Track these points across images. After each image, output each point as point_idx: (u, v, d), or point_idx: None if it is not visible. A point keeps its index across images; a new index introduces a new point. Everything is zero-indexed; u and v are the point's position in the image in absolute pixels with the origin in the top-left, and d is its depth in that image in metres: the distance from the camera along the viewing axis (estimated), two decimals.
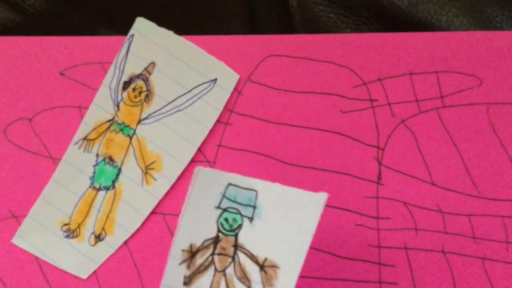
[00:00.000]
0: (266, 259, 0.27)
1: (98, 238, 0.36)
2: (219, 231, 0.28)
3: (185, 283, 0.28)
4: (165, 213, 0.36)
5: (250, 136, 0.36)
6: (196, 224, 0.28)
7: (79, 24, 0.43)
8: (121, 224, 0.36)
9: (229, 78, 0.37)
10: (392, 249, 0.35)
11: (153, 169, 0.36)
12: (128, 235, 0.35)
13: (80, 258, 0.35)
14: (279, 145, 0.36)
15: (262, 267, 0.27)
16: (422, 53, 0.37)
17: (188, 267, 0.28)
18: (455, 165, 0.36)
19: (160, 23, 0.37)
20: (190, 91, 0.37)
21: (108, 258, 0.35)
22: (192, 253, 0.28)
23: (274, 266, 0.27)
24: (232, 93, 0.37)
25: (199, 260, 0.28)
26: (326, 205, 0.36)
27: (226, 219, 0.28)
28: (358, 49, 0.37)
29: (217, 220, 0.28)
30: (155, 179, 0.36)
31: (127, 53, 0.37)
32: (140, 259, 0.35)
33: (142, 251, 0.35)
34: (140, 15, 0.37)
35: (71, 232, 0.36)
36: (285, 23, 0.45)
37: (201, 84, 0.37)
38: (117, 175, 0.36)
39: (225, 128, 0.36)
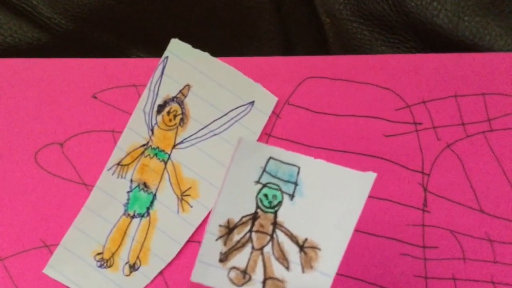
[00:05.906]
0: (306, 239, 0.26)
1: (133, 268, 0.34)
2: (258, 207, 0.26)
3: (221, 260, 0.26)
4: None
5: None
6: (234, 198, 0.26)
7: (109, 45, 0.42)
8: (156, 253, 0.34)
9: (267, 100, 0.35)
10: (439, 279, 0.33)
11: (189, 195, 0.35)
12: (164, 264, 0.34)
13: None
14: None
15: (302, 247, 0.26)
16: (467, 75, 0.35)
17: (225, 243, 0.26)
18: (503, 191, 0.34)
19: (193, 45, 0.36)
20: (226, 114, 0.35)
21: None
22: (229, 229, 0.26)
23: (315, 247, 0.26)
24: (270, 116, 0.35)
25: (236, 236, 0.26)
26: (369, 233, 0.35)
27: (265, 195, 0.26)
28: (400, 71, 0.36)
29: (257, 196, 0.26)
30: (191, 206, 0.35)
31: (161, 75, 0.36)
32: None
33: (178, 282, 0.34)
34: (173, 36, 0.36)
35: (104, 262, 0.34)
36: (318, 41, 0.44)
37: (238, 107, 0.35)
38: (152, 202, 0.35)
39: None
